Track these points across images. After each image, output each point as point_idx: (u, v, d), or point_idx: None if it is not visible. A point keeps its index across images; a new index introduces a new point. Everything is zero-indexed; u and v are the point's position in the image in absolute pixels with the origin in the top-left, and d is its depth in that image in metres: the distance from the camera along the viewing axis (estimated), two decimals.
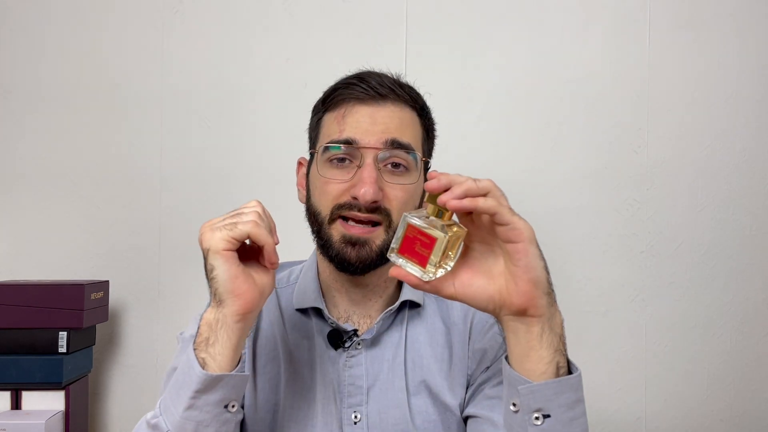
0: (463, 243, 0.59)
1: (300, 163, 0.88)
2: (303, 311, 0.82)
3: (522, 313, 0.59)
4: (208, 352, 0.62)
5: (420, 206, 0.78)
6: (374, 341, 0.80)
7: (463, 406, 0.80)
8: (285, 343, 0.80)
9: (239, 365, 0.64)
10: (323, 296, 0.82)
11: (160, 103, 1.39)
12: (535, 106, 1.35)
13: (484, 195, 0.56)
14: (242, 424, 0.78)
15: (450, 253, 0.58)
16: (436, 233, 0.56)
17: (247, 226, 0.61)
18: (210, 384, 0.60)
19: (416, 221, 0.57)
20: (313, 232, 0.79)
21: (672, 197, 1.34)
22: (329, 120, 0.78)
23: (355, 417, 0.77)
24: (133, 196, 1.39)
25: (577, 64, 1.35)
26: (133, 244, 1.39)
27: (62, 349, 1.21)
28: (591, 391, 1.35)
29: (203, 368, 0.61)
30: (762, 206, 1.33)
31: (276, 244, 0.64)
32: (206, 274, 0.63)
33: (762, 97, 1.34)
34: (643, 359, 1.33)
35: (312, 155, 0.81)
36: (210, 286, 0.63)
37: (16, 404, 1.21)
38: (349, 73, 0.82)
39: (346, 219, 0.74)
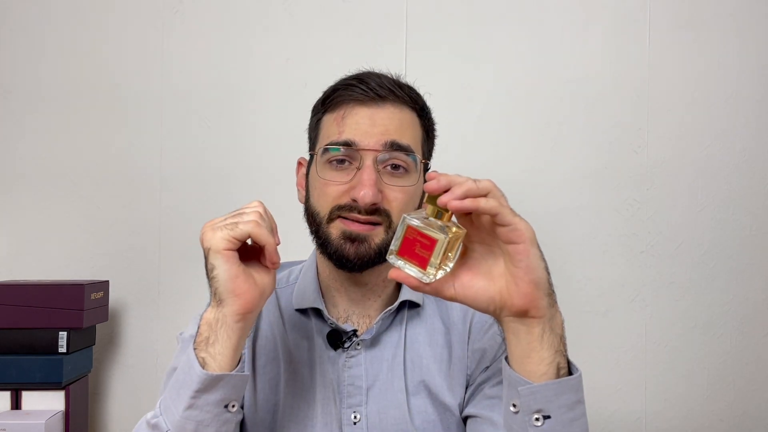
0: (462, 244, 0.59)
1: (300, 163, 0.88)
2: (302, 311, 0.82)
3: (523, 314, 0.58)
4: (208, 351, 0.61)
5: (419, 207, 0.78)
6: (373, 341, 0.80)
7: (462, 406, 0.80)
8: (284, 344, 0.80)
9: (239, 365, 0.64)
10: (323, 296, 0.82)
11: (160, 103, 1.39)
12: (535, 106, 1.35)
13: (485, 195, 0.56)
14: (242, 424, 0.78)
15: (450, 254, 0.57)
16: (436, 234, 0.56)
17: (248, 225, 0.61)
18: (210, 384, 0.60)
19: (416, 222, 0.57)
20: (312, 231, 0.79)
21: (672, 197, 1.34)
22: (328, 121, 0.78)
23: (355, 417, 0.77)
24: (133, 196, 1.39)
25: (577, 64, 1.35)
26: (133, 244, 1.39)
27: (62, 349, 1.21)
28: (591, 391, 1.35)
29: (203, 368, 0.61)
30: (762, 206, 1.33)
31: (277, 244, 0.64)
32: (207, 274, 0.63)
33: (762, 97, 1.34)
34: (643, 359, 1.33)
35: (311, 156, 0.81)
36: (210, 286, 0.63)
37: (16, 404, 1.21)
38: (349, 74, 0.82)
39: (345, 219, 0.74)
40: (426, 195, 0.57)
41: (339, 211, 0.74)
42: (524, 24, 1.36)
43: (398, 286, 0.83)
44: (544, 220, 1.34)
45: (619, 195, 1.34)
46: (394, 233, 0.60)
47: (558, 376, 0.59)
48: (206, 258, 0.63)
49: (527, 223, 0.57)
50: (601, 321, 1.33)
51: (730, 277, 1.33)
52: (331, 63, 1.37)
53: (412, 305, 0.82)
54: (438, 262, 0.56)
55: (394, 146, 0.74)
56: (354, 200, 0.72)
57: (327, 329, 0.79)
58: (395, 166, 0.75)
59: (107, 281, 1.33)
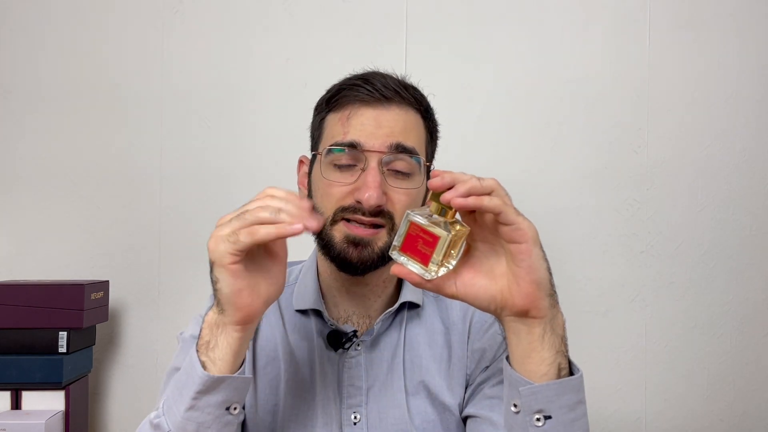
0: (465, 242, 0.59)
1: (301, 162, 0.87)
2: (303, 312, 0.82)
3: (524, 314, 0.58)
4: (208, 356, 0.61)
5: (423, 204, 0.78)
6: (373, 342, 0.80)
7: (462, 406, 0.80)
8: (285, 344, 0.80)
9: (242, 367, 0.63)
10: (323, 297, 0.82)
11: (160, 103, 1.39)
12: (535, 106, 1.35)
13: (488, 194, 0.55)
14: (242, 424, 0.78)
15: (452, 251, 0.57)
16: (439, 231, 0.56)
17: (248, 236, 0.57)
18: (211, 385, 0.60)
19: (419, 219, 0.57)
20: (314, 233, 0.79)
21: (672, 197, 1.34)
22: (333, 121, 0.77)
23: (355, 417, 0.77)
24: (133, 196, 1.39)
25: (577, 64, 1.35)
26: (133, 244, 1.39)
27: (62, 349, 1.21)
28: (591, 391, 1.35)
29: (204, 370, 0.61)
30: (762, 206, 1.33)
31: (305, 229, 0.57)
32: (211, 281, 0.62)
33: (762, 97, 1.34)
34: (643, 359, 1.33)
35: (314, 156, 0.81)
36: (213, 290, 0.63)
37: (16, 404, 1.21)
38: (353, 73, 0.81)
39: (348, 221, 0.74)
40: (430, 192, 0.57)
41: (343, 213, 0.73)
42: (524, 24, 1.36)
43: (398, 286, 0.83)
44: (544, 220, 1.33)
45: (619, 195, 1.34)
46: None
47: (559, 376, 0.59)
48: (211, 268, 0.60)
49: (530, 223, 0.56)
50: (601, 321, 1.33)
51: (730, 277, 1.33)
52: (331, 63, 1.37)
53: (412, 306, 0.82)
54: (440, 259, 0.56)
55: (399, 148, 0.74)
56: (358, 202, 0.72)
57: (327, 330, 0.79)
58: (398, 171, 0.75)
59: (107, 281, 1.33)
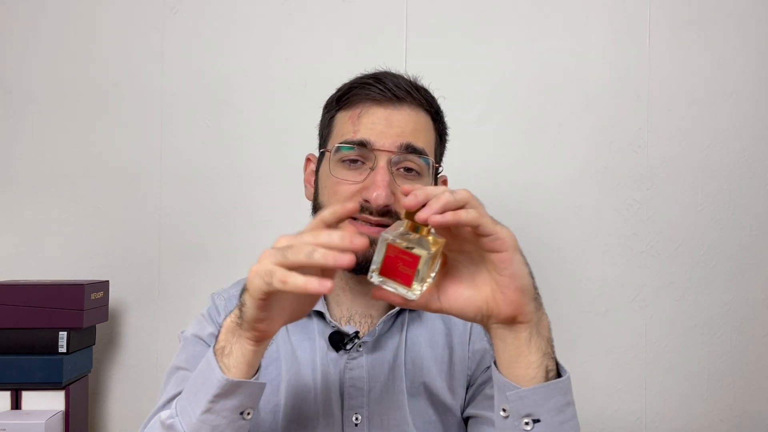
0: (442, 253, 0.58)
1: (308, 159, 0.87)
2: None
3: (511, 321, 0.58)
4: (224, 362, 0.61)
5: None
6: (375, 344, 0.80)
7: (463, 407, 0.80)
8: (286, 345, 0.80)
9: (257, 374, 0.63)
10: (325, 297, 0.82)
11: (160, 103, 1.39)
12: (535, 106, 1.35)
13: (463, 206, 0.55)
14: None
15: (432, 266, 0.56)
16: (418, 251, 0.55)
17: (280, 284, 0.54)
18: (229, 390, 0.60)
19: (396, 240, 0.55)
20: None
21: (672, 197, 1.34)
22: (343, 119, 0.77)
23: (356, 419, 0.77)
24: (133, 196, 1.39)
25: (577, 64, 1.35)
26: (133, 244, 1.39)
27: (62, 349, 1.21)
28: (591, 391, 1.36)
29: (223, 373, 0.60)
30: (762, 206, 1.33)
31: (322, 292, 0.53)
32: (239, 295, 0.61)
33: (762, 97, 1.34)
34: (643, 359, 1.33)
35: (322, 153, 0.80)
36: (239, 304, 0.61)
37: (16, 404, 1.21)
38: (355, 73, 0.81)
39: (355, 219, 0.74)
40: (404, 210, 0.56)
41: None
42: (524, 24, 1.36)
43: None
44: (544, 220, 1.34)
45: (619, 195, 1.34)
46: None
47: (547, 379, 0.58)
48: (243, 288, 0.59)
49: (509, 231, 0.56)
50: (601, 321, 1.33)
51: (730, 277, 1.33)
52: (331, 63, 1.37)
53: None
54: (422, 277, 0.55)
55: (409, 149, 0.74)
56: (366, 201, 0.72)
57: (329, 331, 0.79)
58: (408, 169, 0.75)
59: (107, 281, 1.33)
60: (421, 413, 0.78)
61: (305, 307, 0.63)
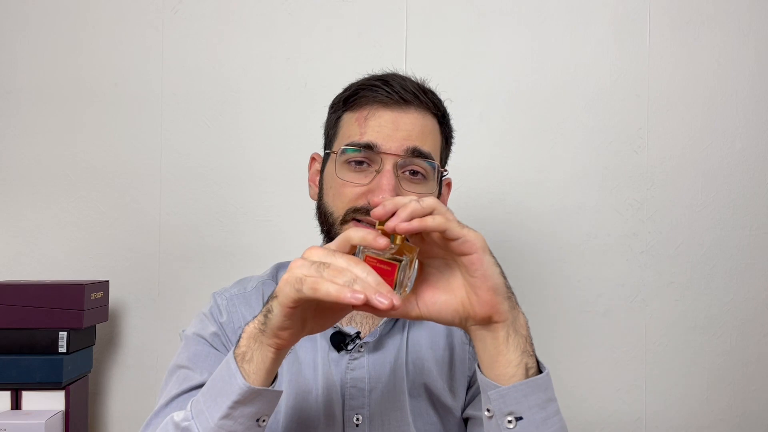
0: (417, 261, 0.59)
1: (313, 159, 0.87)
2: None
3: (487, 321, 0.59)
4: (243, 368, 0.61)
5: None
6: (377, 344, 0.80)
7: (463, 408, 0.80)
8: None
9: (275, 382, 0.63)
10: None
11: (160, 103, 1.39)
12: (535, 106, 1.35)
13: (430, 213, 0.56)
14: None
15: (408, 274, 0.58)
16: (394, 259, 0.57)
17: (311, 291, 0.54)
18: (249, 396, 0.60)
19: (372, 252, 0.57)
20: (323, 231, 0.79)
21: (672, 197, 1.34)
22: (350, 120, 0.77)
23: (357, 419, 0.77)
24: (133, 196, 1.39)
25: (577, 64, 1.35)
26: (133, 244, 1.38)
27: (62, 349, 1.21)
28: (591, 391, 1.36)
29: (245, 380, 0.60)
30: (762, 206, 1.33)
31: (367, 302, 0.52)
32: (266, 302, 0.61)
33: (762, 97, 1.34)
34: (643, 359, 1.33)
35: (327, 154, 0.80)
36: (265, 311, 0.61)
37: (16, 404, 1.21)
38: (344, 76, 0.81)
39: (359, 221, 0.74)
40: (377, 222, 0.57)
41: (354, 213, 0.74)
42: (524, 24, 1.36)
43: None
44: (544, 220, 1.34)
45: (619, 195, 1.34)
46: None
47: (527, 376, 0.59)
48: (271, 295, 0.59)
49: (477, 233, 0.57)
50: (601, 321, 1.33)
51: (730, 277, 1.33)
52: (331, 63, 1.37)
53: None
54: (400, 285, 0.57)
55: (416, 153, 0.74)
56: (371, 203, 0.72)
57: (331, 331, 0.79)
58: (414, 173, 0.75)
59: (107, 281, 1.33)
60: (421, 414, 0.78)
61: (328, 321, 0.63)
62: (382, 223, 0.56)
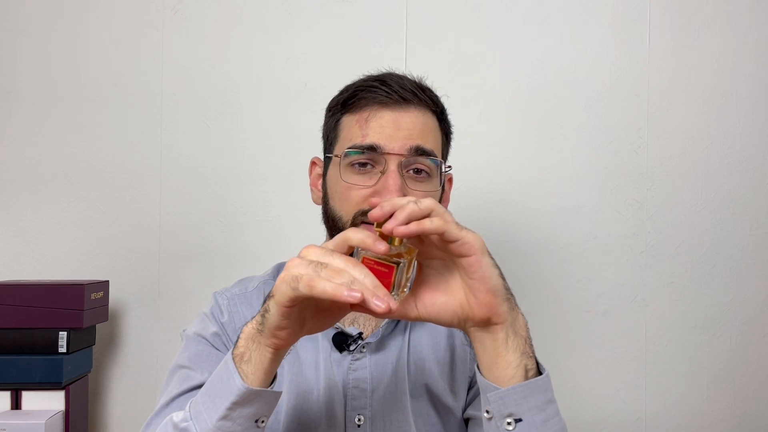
0: (416, 262, 0.59)
1: (313, 163, 0.87)
2: None
3: (486, 322, 0.59)
4: (242, 368, 0.61)
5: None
6: (378, 345, 0.80)
7: (464, 408, 0.81)
8: None
9: (273, 383, 0.63)
10: None
11: (160, 103, 1.39)
12: (535, 106, 1.35)
13: (428, 215, 0.56)
14: None
15: (406, 275, 0.58)
16: (392, 261, 0.56)
17: (307, 289, 0.54)
18: (248, 397, 0.60)
19: (370, 253, 0.57)
20: (332, 235, 0.78)
21: (672, 197, 1.34)
22: (350, 123, 0.77)
23: (359, 420, 0.77)
24: (133, 196, 1.39)
25: (577, 64, 1.35)
26: (133, 244, 1.38)
27: (62, 349, 1.21)
28: (591, 391, 1.36)
29: (243, 381, 0.60)
30: (762, 206, 1.33)
31: (363, 302, 0.53)
32: (263, 302, 0.61)
33: (762, 97, 1.34)
34: (643, 359, 1.33)
35: (328, 158, 0.80)
36: (262, 311, 0.61)
37: (16, 404, 1.21)
38: (357, 73, 0.81)
39: (367, 223, 0.74)
40: (375, 223, 0.57)
41: (363, 216, 0.73)
42: (524, 24, 1.36)
43: None
44: (544, 220, 1.34)
45: (619, 195, 1.34)
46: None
47: (526, 378, 0.59)
48: (268, 295, 0.59)
49: (475, 234, 0.57)
50: (601, 321, 1.33)
51: (730, 277, 1.33)
52: (331, 63, 1.37)
53: None
54: (399, 287, 0.57)
55: (419, 151, 0.74)
56: (369, 205, 0.72)
57: (333, 332, 0.79)
58: (418, 171, 0.75)
59: (107, 281, 1.33)
60: (422, 415, 0.79)
61: (327, 321, 0.62)
62: (381, 224, 0.56)
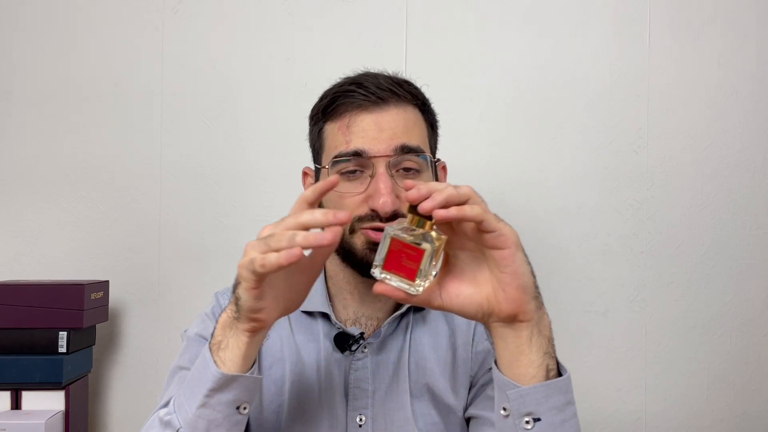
0: (444, 251, 0.58)
1: (305, 174, 0.86)
2: (309, 313, 0.82)
3: (511, 319, 0.58)
4: (219, 356, 0.61)
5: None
6: (380, 345, 0.80)
7: (465, 407, 0.81)
8: (291, 345, 0.80)
9: (253, 368, 0.63)
10: (330, 298, 0.82)
11: (160, 103, 1.39)
12: (535, 106, 1.35)
13: (465, 202, 0.55)
14: (247, 424, 0.78)
15: (434, 262, 0.57)
16: (422, 245, 0.55)
17: (262, 268, 0.55)
18: (224, 384, 0.60)
19: (400, 234, 0.56)
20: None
21: (672, 197, 1.34)
22: (332, 131, 0.76)
23: (360, 420, 0.77)
24: (133, 196, 1.39)
25: (577, 64, 1.35)
26: (133, 244, 1.38)
27: (62, 349, 1.21)
28: (591, 391, 1.36)
29: (218, 367, 0.60)
30: (762, 206, 1.33)
31: (325, 244, 0.54)
32: (233, 290, 0.61)
33: (762, 97, 1.34)
34: (643, 359, 1.33)
35: (318, 169, 0.80)
36: (234, 297, 0.61)
37: (16, 404, 1.21)
38: (343, 76, 0.81)
39: (367, 229, 0.73)
40: (407, 204, 0.56)
41: (360, 223, 0.73)
42: (524, 24, 1.36)
43: None
44: (544, 220, 1.34)
45: (619, 195, 1.34)
46: None
47: (547, 378, 0.58)
48: (235, 282, 0.60)
49: (512, 228, 0.56)
50: (601, 321, 1.33)
51: (730, 277, 1.33)
52: (331, 63, 1.36)
53: (418, 309, 0.82)
54: (426, 272, 0.56)
55: (405, 149, 0.73)
56: (373, 210, 0.72)
57: (334, 332, 0.79)
58: (407, 169, 0.75)
59: (107, 281, 1.33)
60: (423, 414, 0.78)
61: (299, 295, 0.63)
62: (415, 207, 0.55)
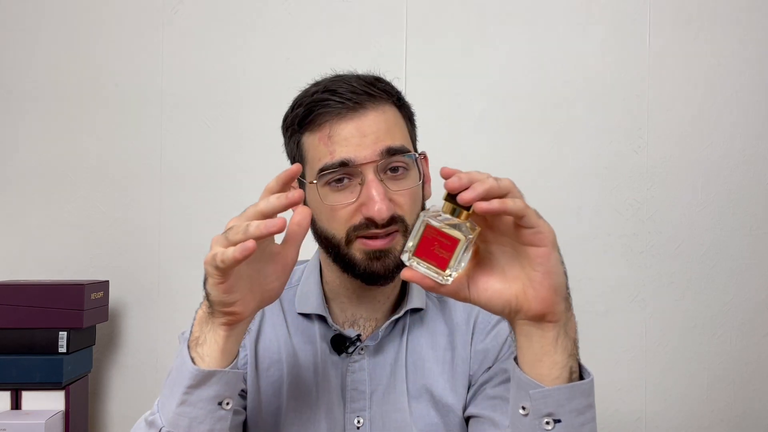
0: (474, 243, 0.57)
1: (292, 188, 0.86)
2: (306, 315, 0.82)
3: (539, 318, 0.57)
4: (197, 351, 0.62)
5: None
6: (377, 347, 0.80)
7: (464, 407, 0.80)
8: (288, 347, 0.80)
9: (233, 363, 0.63)
10: (327, 301, 0.81)
11: (160, 103, 1.39)
12: (535, 106, 1.35)
13: (505, 195, 0.54)
14: (245, 425, 0.78)
15: (466, 254, 0.55)
16: (457, 234, 0.54)
17: (222, 263, 0.56)
18: (202, 379, 0.60)
19: (436, 222, 0.54)
20: (330, 254, 0.77)
21: (672, 197, 1.34)
22: (313, 142, 0.74)
23: (358, 422, 0.77)
24: (133, 196, 1.39)
25: (577, 64, 1.35)
26: (133, 244, 1.38)
27: (62, 349, 1.21)
28: None
29: (194, 364, 0.61)
30: (762, 206, 1.33)
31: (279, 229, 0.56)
32: (203, 285, 0.61)
33: (762, 97, 1.34)
34: (643, 359, 1.33)
35: (303, 183, 0.77)
36: (204, 292, 0.62)
37: (16, 404, 1.21)
38: (312, 81, 0.80)
39: (364, 238, 0.72)
40: (445, 192, 0.55)
41: (356, 232, 0.72)
42: (524, 24, 1.36)
43: (403, 290, 0.82)
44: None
45: (619, 195, 1.34)
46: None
47: (570, 380, 0.58)
48: (204, 279, 0.60)
49: (550, 226, 0.55)
50: (601, 321, 1.33)
51: (730, 277, 1.33)
52: (331, 63, 1.36)
53: (415, 309, 0.82)
54: (457, 263, 0.54)
55: (391, 151, 0.72)
56: (368, 218, 0.70)
57: (331, 334, 0.79)
58: (394, 169, 0.74)
59: (107, 281, 1.33)
60: (422, 415, 0.78)
61: (272, 283, 0.63)
62: (453, 196, 0.53)
